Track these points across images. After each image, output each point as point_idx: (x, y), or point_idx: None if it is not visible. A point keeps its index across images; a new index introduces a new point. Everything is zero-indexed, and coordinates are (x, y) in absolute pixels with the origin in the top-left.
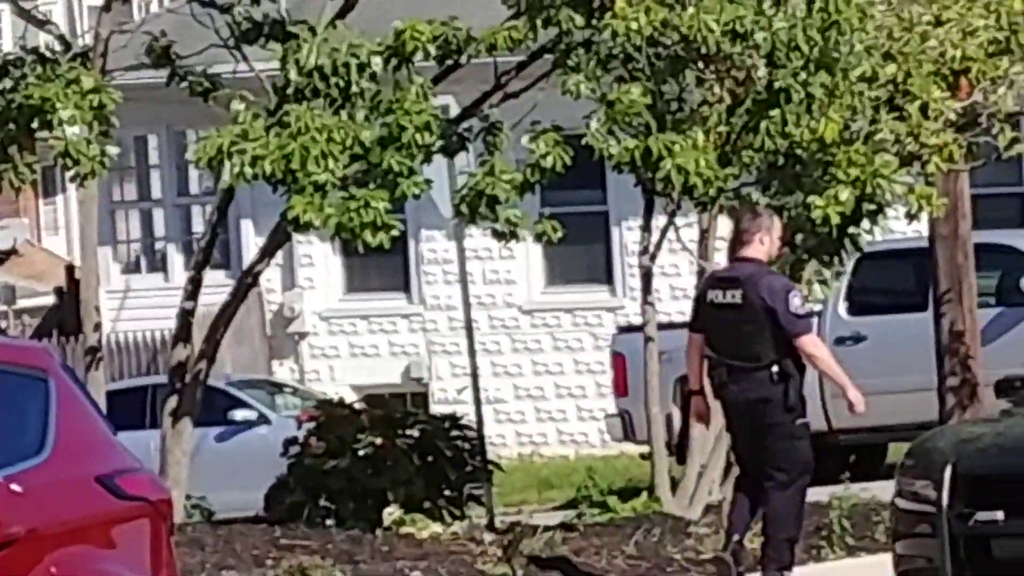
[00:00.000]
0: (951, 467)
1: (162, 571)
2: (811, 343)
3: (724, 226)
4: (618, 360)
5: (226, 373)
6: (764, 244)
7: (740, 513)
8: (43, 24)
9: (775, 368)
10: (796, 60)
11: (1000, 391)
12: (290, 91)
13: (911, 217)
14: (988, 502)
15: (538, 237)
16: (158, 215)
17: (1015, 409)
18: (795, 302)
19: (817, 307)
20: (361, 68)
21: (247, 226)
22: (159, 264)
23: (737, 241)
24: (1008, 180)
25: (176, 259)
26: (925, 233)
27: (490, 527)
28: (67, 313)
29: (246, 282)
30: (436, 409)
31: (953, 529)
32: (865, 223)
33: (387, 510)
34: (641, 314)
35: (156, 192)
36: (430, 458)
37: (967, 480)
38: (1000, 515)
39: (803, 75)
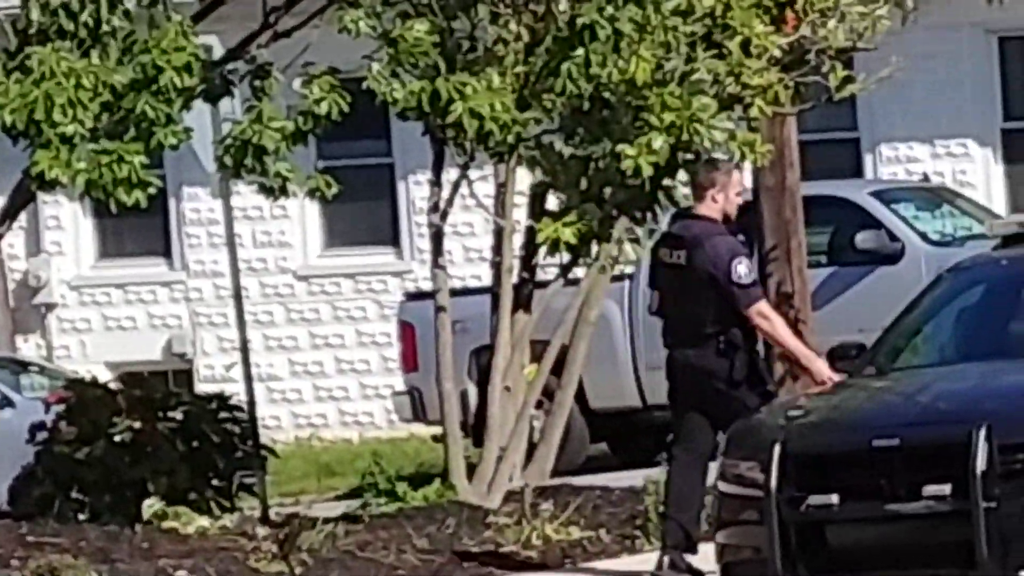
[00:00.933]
0: (779, 446)
1: None
2: (758, 313)
3: (524, 179)
4: (406, 331)
5: None
6: (717, 202)
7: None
8: None
9: (721, 338)
10: None
11: (834, 360)
12: (32, 31)
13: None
14: (821, 485)
15: (311, 193)
16: None
17: (850, 380)
18: (739, 270)
19: (629, 269)
20: (112, 5)
21: None
22: None
23: (692, 194)
24: (840, 124)
25: None
26: (749, 184)
27: (264, 520)
28: None
29: None
30: (202, 388)
31: (783, 515)
32: (681, 174)
33: (147, 502)
34: (431, 279)
35: None
36: (195, 444)
37: (798, 460)
38: (835, 499)
39: (609, 9)
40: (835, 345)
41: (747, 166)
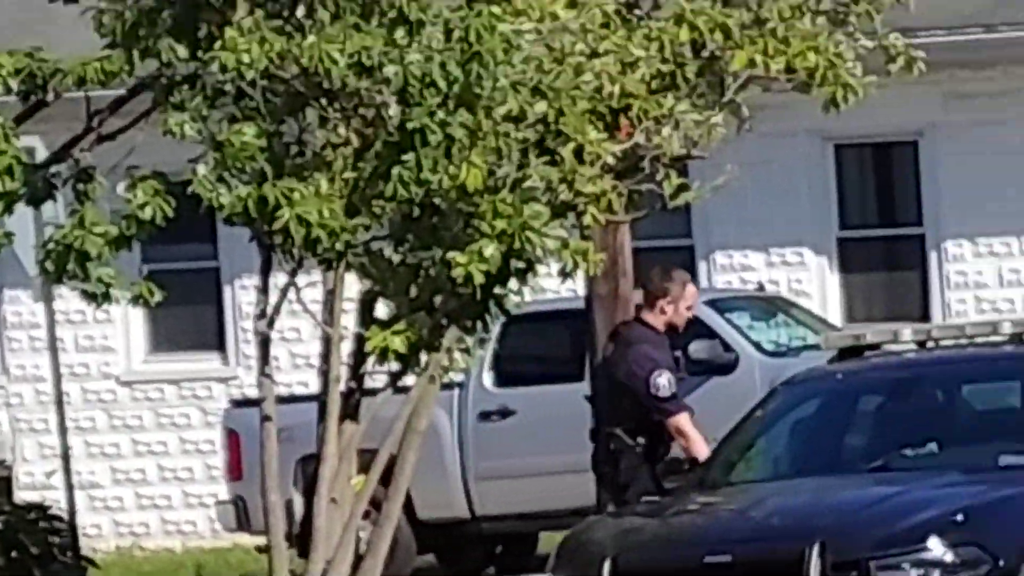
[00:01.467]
0: (610, 562)
1: None
2: (676, 428)
3: (352, 286)
4: (231, 439)
5: None
6: (666, 313)
7: None
8: None
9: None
10: (432, 97)
11: (667, 473)
12: None
13: (565, 275)
14: None
15: (135, 300)
16: None
17: (679, 495)
18: (658, 382)
19: (459, 377)
20: None
21: None
22: None
23: (643, 299)
24: (675, 232)
25: None
26: (581, 293)
27: None
28: None
29: None
30: (21, 496)
31: None
32: (513, 282)
33: None
34: (258, 386)
35: None
36: (13, 554)
37: None
38: None
39: (441, 114)
40: (667, 459)
41: (580, 274)
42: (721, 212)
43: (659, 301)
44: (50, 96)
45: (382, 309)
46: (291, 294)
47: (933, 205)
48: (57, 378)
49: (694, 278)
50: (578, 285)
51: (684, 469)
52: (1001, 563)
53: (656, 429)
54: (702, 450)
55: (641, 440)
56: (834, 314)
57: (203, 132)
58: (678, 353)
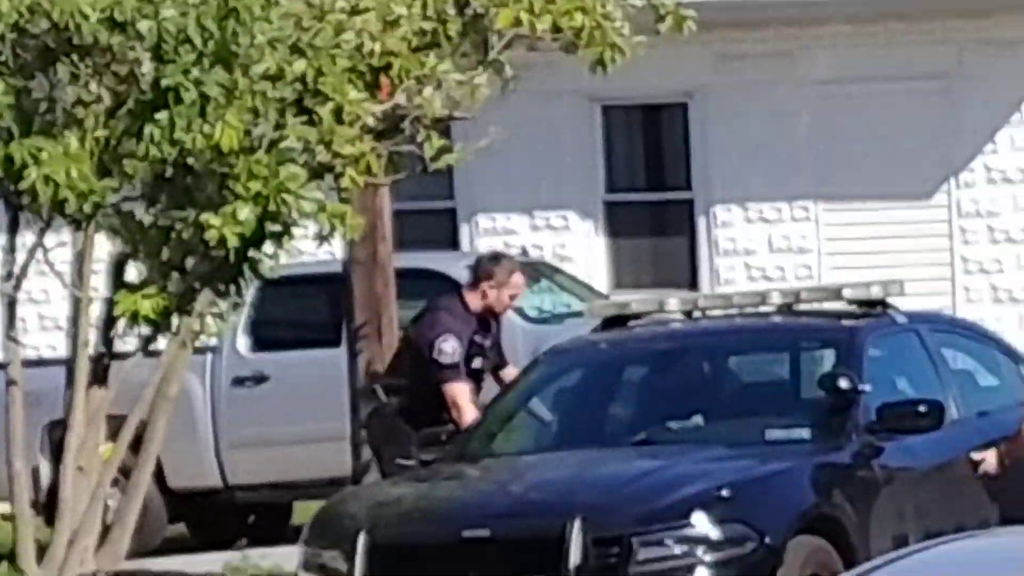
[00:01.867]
0: (365, 535)
1: None
2: (451, 398)
3: (103, 247)
4: None
5: None
6: (487, 297)
7: None
8: None
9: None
10: (187, 54)
11: (424, 444)
12: None
13: (322, 239)
14: None
15: None
16: None
17: (438, 466)
18: (443, 347)
19: (213, 341)
20: None
21: None
22: None
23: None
24: (437, 194)
25: None
26: (339, 257)
27: None
28: None
29: None
30: None
31: None
32: (268, 246)
33: None
34: (3, 349)
35: None
36: None
37: (384, 551)
38: None
39: (196, 72)
40: (425, 431)
41: (337, 238)
42: (484, 174)
43: (482, 283)
44: None
45: (133, 272)
46: (39, 254)
47: (702, 169)
48: None
49: (456, 242)
50: (336, 249)
51: (442, 441)
52: (767, 540)
53: (436, 396)
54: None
55: (394, 400)
56: (600, 281)
57: None
58: (487, 342)
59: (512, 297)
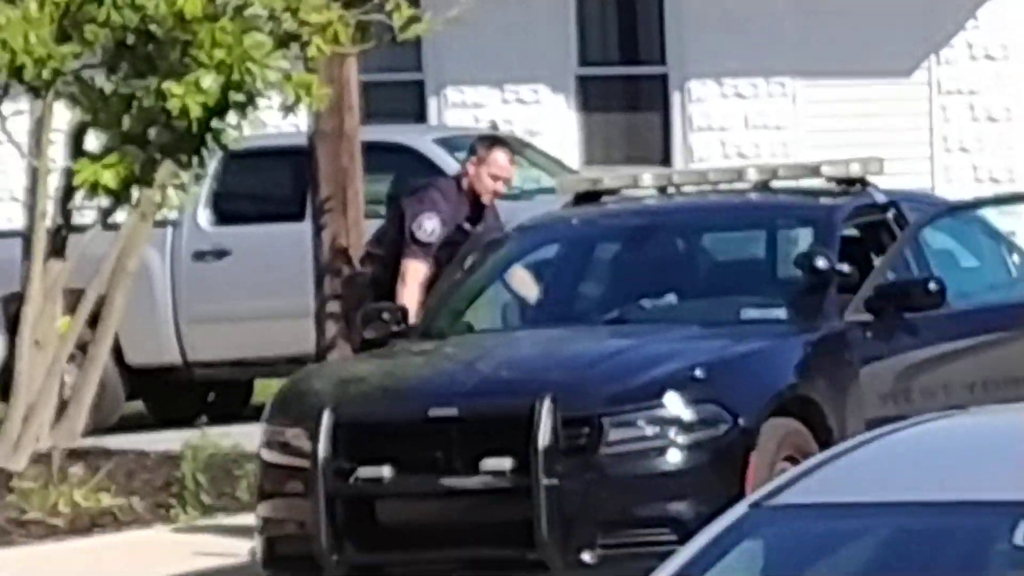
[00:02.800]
0: (329, 413)
1: None
2: (404, 269)
3: (62, 116)
4: None
5: None
6: (467, 173)
7: None
8: None
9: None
10: None
11: (365, 321)
12: None
13: (288, 109)
14: (373, 456)
15: None
16: None
17: (407, 344)
18: (424, 223)
19: (173, 215)
20: None
21: None
22: None
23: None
24: (404, 65)
25: None
26: (304, 129)
27: None
28: None
29: None
30: None
31: (330, 488)
32: (232, 116)
33: None
34: None
35: None
36: None
37: (348, 429)
38: (386, 471)
39: None
40: (367, 307)
41: (303, 109)
42: (454, 46)
43: (467, 161)
44: None
45: (93, 141)
46: None
47: (677, 43)
48: None
49: (423, 115)
50: (301, 121)
51: (383, 319)
52: (741, 421)
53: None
54: (409, 302)
55: (369, 269)
56: (571, 156)
57: None
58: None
59: (494, 178)
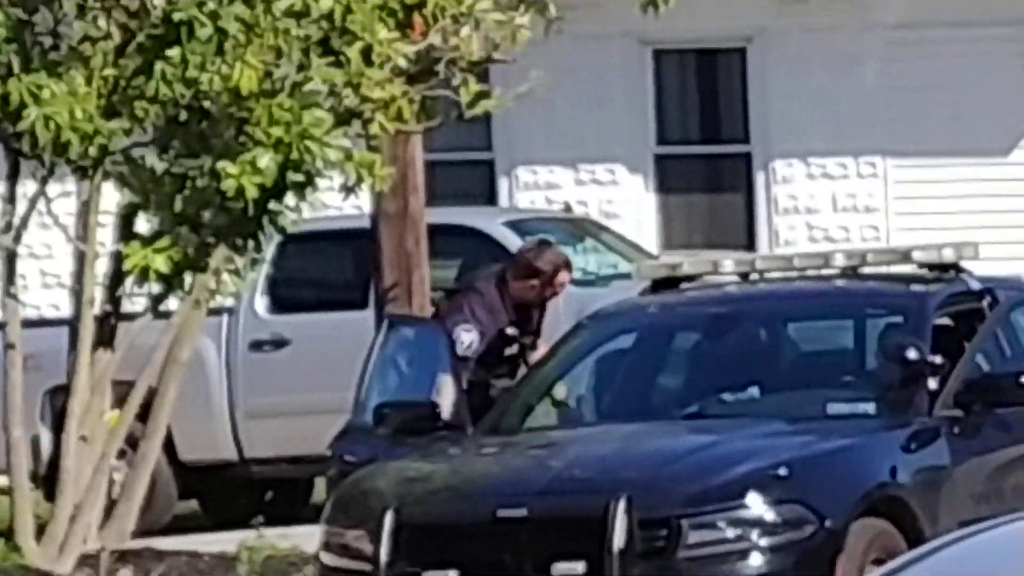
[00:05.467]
0: (392, 513)
1: None
2: (441, 383)
3: (110, 197)
4: None
5: None
6: (528, 294)
7: None
8: None
9: None
10: None
11: (378, 421)
12: None
13: (348, 190)
14: (439, 559)
15: None
16: None
17: (474, 440)
18: (457, 335)
19: (228, 302)
20: None
21: None
22: None
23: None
24: (473, 144)
25: None
26: (367, 211)
27: None
28: None
29: None
30: None
31: None
32: (290, 197)
33: None
34: (1, 308)
35: None
36: None
37: (412, 531)
38: (453, 575)
39: (211, 5)
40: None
41: (365, 190)
42: (525, 123)
43: (524, 279)
44: None
45: (143, 224)
46: (41, 204)
47: (761, 120)
48: None
49: (493, 196)
50: (363, 202)
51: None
52: (828, 523)
53: None
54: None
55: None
56: (649, 240)
57: None
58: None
59: (553, 295)
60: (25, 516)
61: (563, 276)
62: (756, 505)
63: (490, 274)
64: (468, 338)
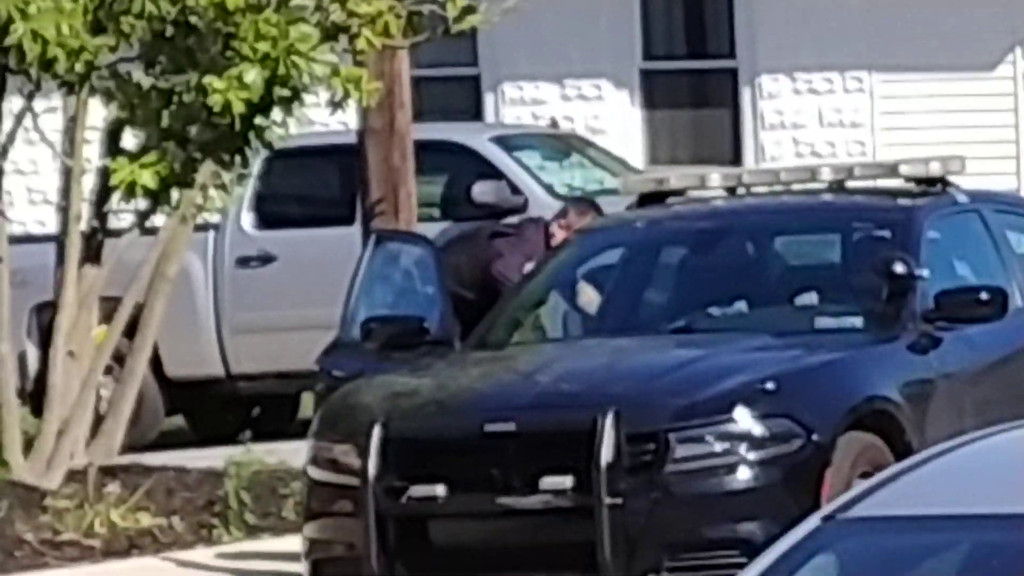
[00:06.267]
0: (380, 428)
1: None
2: None
3: (97, 113)
4: None
5: None
6: (554, 234)
7: None
8: None
9: None
10: None
11: (366, 336)
12: None
13: (336, 106)
14: (426, 474)
15: None
16: None
17: (461, 355)
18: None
19: (215, 218)
20: None
21: None
22: None
23: None
24: (459, 59)
25: None
26: (353, 126)
27: None
28: None
29: None
30: None
31: (380, 507)
32: (276, 112)
33: None
34: None
35: None
36: None
37: (400, 445)
38: (440, 490)
39: None
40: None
41: (352, 105)
42: (511, 39)
43: (555, 221)
44: None
45: (130, 140)
46: (27, 121)
47: (747, 35)
48: None
49: (479, 112)
50: (350, 118)
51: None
52: (815, 437)
53: None
54: None
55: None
56: (635, 155)
57: None
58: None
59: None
60: (12, 431)
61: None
62: (744, 419)
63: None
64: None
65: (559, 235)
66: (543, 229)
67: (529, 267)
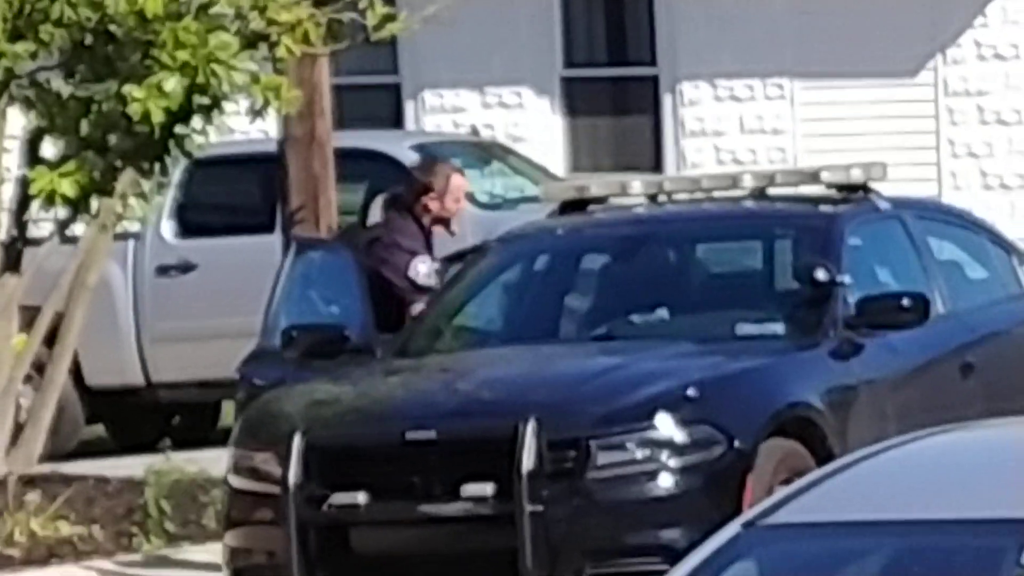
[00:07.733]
0: (301, 436)
1: None
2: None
3: (16, 121)
4: None
5: None
6: (432, 211)
7: None
8: None
9: None
10: None
11: (287, 344)
12: None
13: (256, 114)
14: (347, 482)
15: None
16: None
17: (380, 363)
18: (414, 269)
19: (135, 227)
20: None
21: None
22: None
23: None
24: (379, 67)
25: None
26: (274, 135)
27: None
28: None
29: None
30: None
31: (301, 515)
32: (196, 121)
33: None
34: None
35: None
36: None
37: (321, 453)
38: (361, 498)
39: None
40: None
41: (272, 113)
42: (432, 46)
43: (422, 198)
44: None
45: (49, 148)
46: None
47: (667, 42)
48: None
49: (400, 120)
50: (270, 126)
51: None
52: (737, 443)
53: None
54: None
55: None
56: (556, 163)
57: None
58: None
59: (456, 201)
60: None
61: (457, 181)
62: (665, 426)
63: (397, 215)
64: (424, 267)
65: (438, 206)
66: (410, 215)
67: (422, 258)
